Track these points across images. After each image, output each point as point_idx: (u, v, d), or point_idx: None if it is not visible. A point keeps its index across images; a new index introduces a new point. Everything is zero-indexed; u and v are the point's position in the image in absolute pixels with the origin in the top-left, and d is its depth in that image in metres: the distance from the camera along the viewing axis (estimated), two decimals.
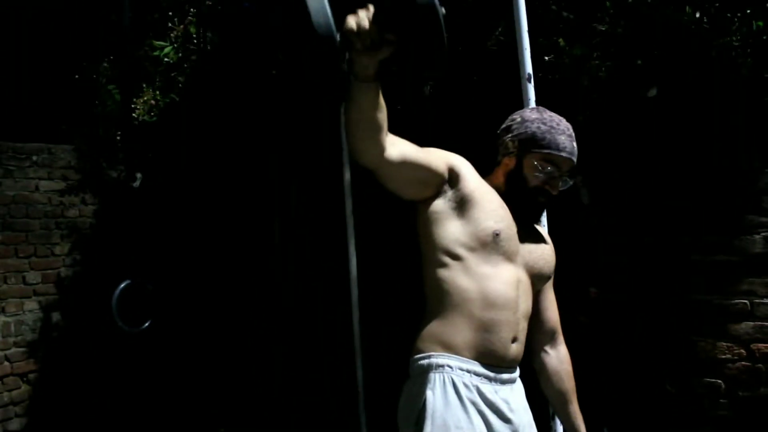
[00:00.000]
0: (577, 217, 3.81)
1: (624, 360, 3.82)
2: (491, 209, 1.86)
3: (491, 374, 1.81)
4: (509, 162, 1.97)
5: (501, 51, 3.65)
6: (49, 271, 5.33)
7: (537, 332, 2.05)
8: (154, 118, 4.28)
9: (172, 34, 4.50)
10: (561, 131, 1.91)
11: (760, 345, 3.48)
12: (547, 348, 2.09)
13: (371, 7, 1.47)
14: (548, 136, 1.90)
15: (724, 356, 3.57)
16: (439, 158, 1.86)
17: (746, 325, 3.51)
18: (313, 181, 4.48)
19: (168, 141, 4.56)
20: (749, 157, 3.48)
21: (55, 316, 5.31)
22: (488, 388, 1.79)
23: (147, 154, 4.67)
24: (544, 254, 2.02)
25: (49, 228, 5.32)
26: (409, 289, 4.40)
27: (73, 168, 5.34)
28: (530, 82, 2.58)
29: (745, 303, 3.51)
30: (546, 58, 3.66)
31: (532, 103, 2.59)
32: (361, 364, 4.25)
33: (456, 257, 1.82)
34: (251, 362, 4.71)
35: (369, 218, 4.30)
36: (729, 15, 3.29)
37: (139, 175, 4.70)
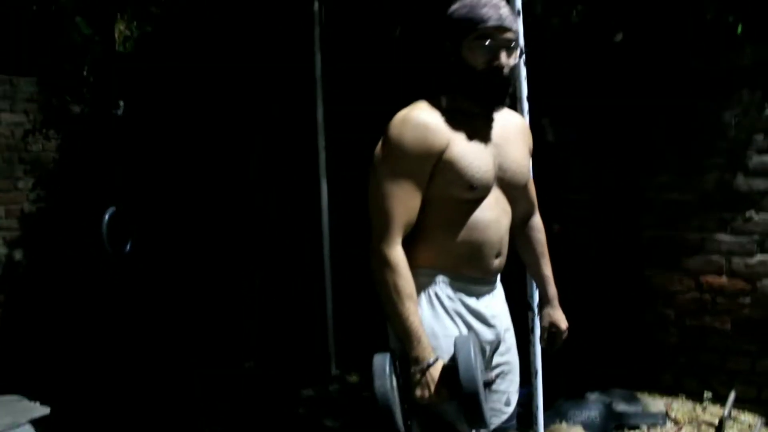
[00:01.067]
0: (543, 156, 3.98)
1: (582, 290, 4.05)
2: (467, 163, 1.85)
3: (473, 286, 1.91)
4: (452, 59, 1.87)
5: None
6: (13, 206, 5.29)
7: (517, 206, 2.08)
8: (130, 49, 4.24)
9: None
10: (481, 4, 1.81)
11: (708, 277, 3.73)
12: (524, 218, 2.18)
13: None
14: (469, 14, 1.81)
15: (674, 288, 3.83)
16: (418, 177, 1.83)
17: (697, 259, 3.76)
18: (288, 114, 4.54)
19: (145, 72, 4.53)
20: (706, 99, 3.67)
21: (18, 253, 5.29)
22: (471, 300, 1.90)
23: (125, 85, 4.63)
24: (516, 162, 1.99)
25: (12, 162, 5.25)
26: None
27: (36, 101, 5.25)
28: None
29: (696, 238, 3.75)
30: None
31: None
32: (330, 289, 4.41)
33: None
34: (228, 288, 4.82)
35: (340, 156, 4.40)
36: None
37: (121, 103, 4.67)
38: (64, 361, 4.79)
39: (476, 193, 1.86)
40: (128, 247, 4.56)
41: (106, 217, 4.36)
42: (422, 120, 1.81)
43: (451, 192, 1.84)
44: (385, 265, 1.80)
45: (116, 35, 4.34)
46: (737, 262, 3.65)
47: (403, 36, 4.38)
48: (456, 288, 1.89)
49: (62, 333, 5.11)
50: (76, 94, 4.93)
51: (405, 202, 1.81)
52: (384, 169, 1.81)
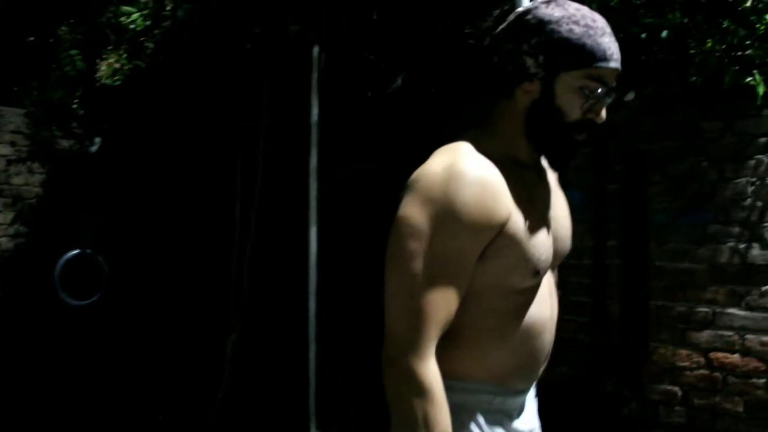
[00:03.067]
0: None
1: (584, 362, 3.80)
2: (533, 240, 1.37)
3: (516, 399, 1.47)
4: (531, 89, 1.36)
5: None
6: None
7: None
8: (117, 82, 4.09)
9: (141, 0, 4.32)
10: (601, 30, 1.34)
11: (719, 354, 3.49)
12: None
13: None
14: (588, 41, 1.31)
15: (682, 364, 3.58)
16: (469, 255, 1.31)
17: (707, 334, 3.52)
18: (278, 162, 4.36)
19: (131, 108, 4.37)
20: (720, 168, 3.49)
21: None
22: (511, 423, 1.46)
23: (108, 120, 4.47)
24: (566, 228, 1.56)
25: None
26: (370, 279, 4.34)
27: (22, 133, 5.09)
28: None
29: (707, 311, 3.52)
30: None
31: None
32: (314, 354, 4.15)
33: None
34: (202, 345, 4.54)
35: (331, 206, 4.21)
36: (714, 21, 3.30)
37: (98, 140, 4.48)
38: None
39: (536, 279, 1.40)
40: (97, 295, 4.28)
41: (61, 262, 4.11)
42: (482, 174, 1.28)
43: (509, 280, 1.35)
44: (413, 386, 1.23)
45: (105, 68, 4.19)
46: (751, 339, 3.41)
47: (406, 85, 4.24)
48: (496, 408, 1.41)
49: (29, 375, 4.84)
50: (65, 127, 4.77)
51: (446, 295, 1.25)
52: (418, 245, 1.24)
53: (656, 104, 3.64)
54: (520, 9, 1.39)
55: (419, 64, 3.96)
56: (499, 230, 1.29)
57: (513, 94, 1.38)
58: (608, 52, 1.33)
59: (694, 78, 3.30)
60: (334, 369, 4.18)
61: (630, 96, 3.71)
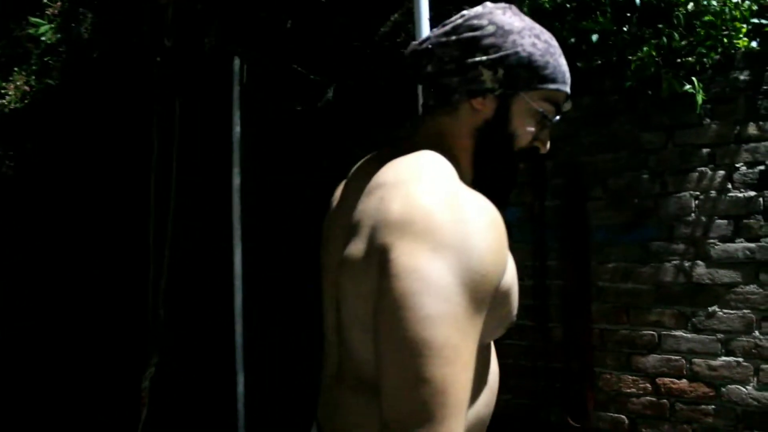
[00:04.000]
0: None
1: (528, 389, 3.57)
2: (516, 286, 1.15)
3: None
4: (483, 108, 1.18)
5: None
6: None
7: None
8: (26, 104, 3.79)
9: (48, 11, 4.02)
10: (558, 49, 1.20)
11: (666, 379, 3.28)
12: None
13: None
14: (551, 59, 1.17)
15: (629, 390, 3.36)
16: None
17: (653, 358, 3.31)
18: (196, 181, 4.08)
19: (40, 130, 4.07)
20: (662, 181, 3.29)
21: None
22: None
23: (15, 144, 4.17)
24: None
25: None
26: (295, 301, 4.09)
27: None
28: None
29: (652, 334, 3.31)
30: None
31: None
32: (242, 377, 3.88)
33: None
34: (114, 381, 4.24)
35: (256, 223, 3.96)
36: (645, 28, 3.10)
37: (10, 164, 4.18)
38: None
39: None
40: None
41: None
42: (493, 213, 1.02)
43: (493, 333, 1.13)
44: None
45: (12, 92, 3.89)
46: (699, 363, 3.20)
47: (336, 97, 3.99)
48: None
49: None
50: None
51: (471, 359, 0.95)
52: (440, 305, 0.91)
53: (595, 115, 3.43)
54: (469, 12, 1.18)
55: (347, 75, 3.72)
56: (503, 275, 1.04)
57: (457, 109, 1.18)
58: (567, 74, 1.20)
59: (629, 84, 3.09)
60: (264, 399, 3.92)
61: (567, 106, 3.49)
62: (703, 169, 3.20)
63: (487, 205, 1.02)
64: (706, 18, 3.14)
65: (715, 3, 3.02)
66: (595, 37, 2.99)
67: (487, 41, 1.15)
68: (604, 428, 3.42)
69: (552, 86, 1.17)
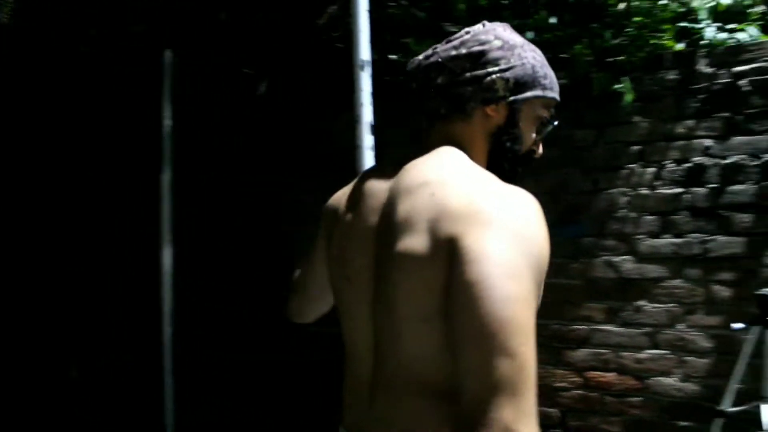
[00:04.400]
0: None
1: None
2: None
3: None
4: (496, 114, 1.28)
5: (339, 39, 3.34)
6: None
7: None
8: None
9: None
10: (546, 60, 1.34)
11: (595, 373, 3.34)
12: None
13: None
14: (547, 70, 1.30)
15: (559, 384, 3.41)
16: None
17: (583, 352, 3.36)
18: (127, 177, 3.96)
19: None
20: (594, 178, 3.35)
21: None
22: None
23: None
24: None
25: None
26: (227, 300, 4.02)
27: None
28: (363, 70, 2.25)
29: (582, 329, 3.36)
30: (392, 57, 3.39)
31: (366, 96, 2.26)
32: (170, 378, 3.78)
33: None
34: (34, 391, 4.08)
35: (186, 221, 3.87)
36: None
37: None
38: None
39: None
40: None
41: None
42: (538, 204, 1.14)
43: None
44: None
45: None
46: (626, 356, 3.27)
47: (269, 92, 3.93)
48: None
49: None
50: None
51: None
52: (514, 286, 1.00)
53: None
54: (473, 29, 1.31)
55: (281, 69, 3.67)
56: None
57: (471, 116, 1.28)
58: (557, 83, 1.32)
59: (562, 81, 3.13)
60: (193, 402, 3.83)
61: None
62: (632, 166, 3.27)
63: (530, 196, 1.13)
64: (637, 18, 3.21)
65: (646, 4, 3.08)
66: (531, 34, 3.03)
67: (496, 54, 1.26)
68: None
69: (550, 94, 1.30)
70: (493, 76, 1.26)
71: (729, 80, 3.08)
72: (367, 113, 2.27)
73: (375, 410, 1.20)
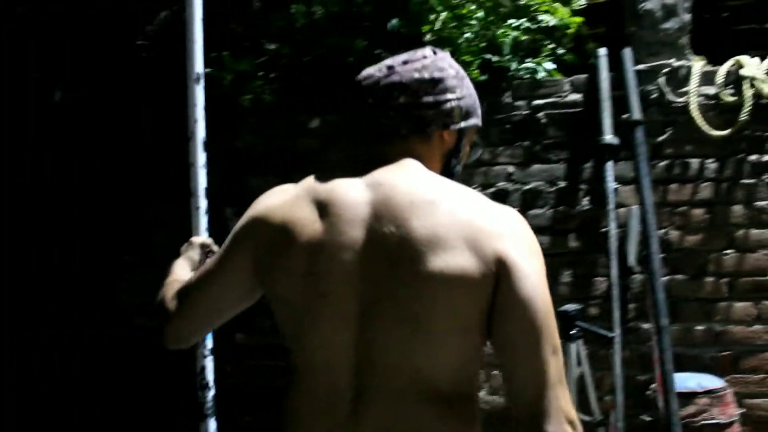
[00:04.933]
0: None
1: None
2: None
3: None
4: (449, 138, 1.38)
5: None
6: None
7: None
8: None
9: None
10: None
11: None
12: None
13: None
14: (477, 99, 1.42)
15: None
16: None
17: None
18: None
19: None
20: None
21: None
22: None
23: None
24: None
25: None
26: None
27: None
28: (198, 83, 2.12)
29: None
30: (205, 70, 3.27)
31: (200, 111, 2.14)
32: None
33: None
34: None
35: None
36: None
37: None
38: None
39: None
40: None
41: None
42: None
43: None
44: None
45: None
46: None
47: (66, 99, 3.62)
48: None
49: None
50: None
51: None
52: (548, 295, 1.23)
53: (343, 133, 3.50)
54: (428, 53, 1.37)
55: (81, 75, 3.39)
56: None
57: (431, 137, 1.36)
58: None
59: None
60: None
61: (315, 123, 3.55)
62: None
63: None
64: (446, 49, 3.37)
65: (455, 34, 3.26)
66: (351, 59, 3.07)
67: (453, 82, 1.35)
68: None
69: (479, 121, 1.41)
70: (452, 104, 1.35)
71: (528, 112, 3.34)
72: (200, 129, 2.14)
73: (365, 421, 1.21)
